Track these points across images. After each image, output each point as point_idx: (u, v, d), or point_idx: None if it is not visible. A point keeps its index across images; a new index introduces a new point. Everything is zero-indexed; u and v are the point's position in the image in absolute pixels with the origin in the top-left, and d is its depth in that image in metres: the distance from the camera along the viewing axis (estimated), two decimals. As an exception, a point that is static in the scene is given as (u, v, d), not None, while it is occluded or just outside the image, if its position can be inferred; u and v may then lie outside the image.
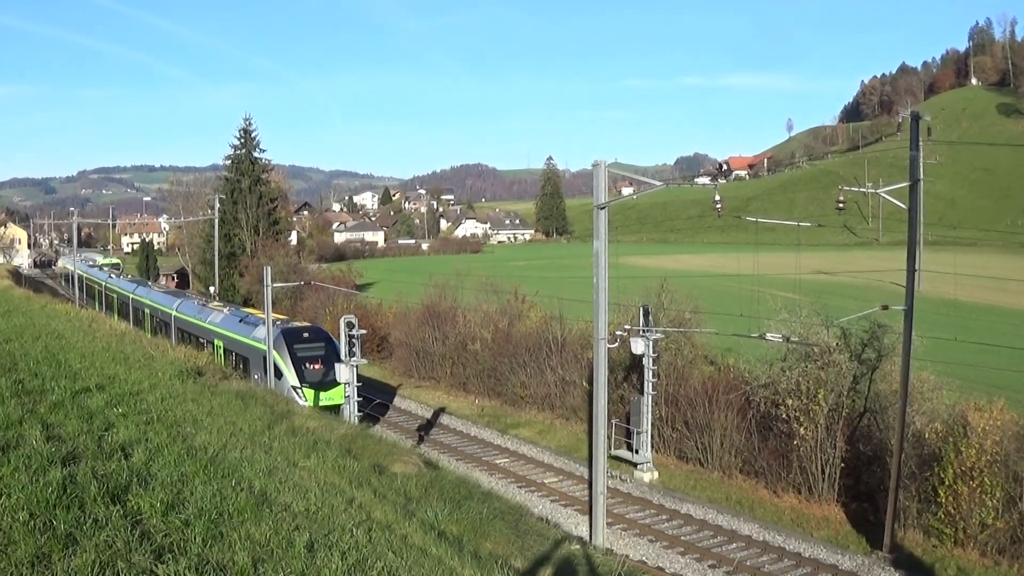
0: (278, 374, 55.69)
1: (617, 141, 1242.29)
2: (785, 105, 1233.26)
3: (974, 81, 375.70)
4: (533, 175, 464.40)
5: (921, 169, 39.56)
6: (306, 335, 58.80)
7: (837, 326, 44.77)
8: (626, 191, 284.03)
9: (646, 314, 44.38)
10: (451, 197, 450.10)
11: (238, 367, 58.97)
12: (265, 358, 56.66)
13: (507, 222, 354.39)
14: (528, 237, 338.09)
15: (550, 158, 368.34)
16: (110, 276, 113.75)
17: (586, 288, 34.27)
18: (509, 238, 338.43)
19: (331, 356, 55.46)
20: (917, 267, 37.93)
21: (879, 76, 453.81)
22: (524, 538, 18.18)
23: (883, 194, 43.95)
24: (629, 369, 51.40)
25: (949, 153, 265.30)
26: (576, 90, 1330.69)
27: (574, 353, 58.31)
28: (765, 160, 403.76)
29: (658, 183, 45.80)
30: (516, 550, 16.67)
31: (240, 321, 65.24)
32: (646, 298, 51.36)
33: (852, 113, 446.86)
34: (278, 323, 59.84)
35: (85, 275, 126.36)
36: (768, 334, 41.82)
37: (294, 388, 54.20)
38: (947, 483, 36.85)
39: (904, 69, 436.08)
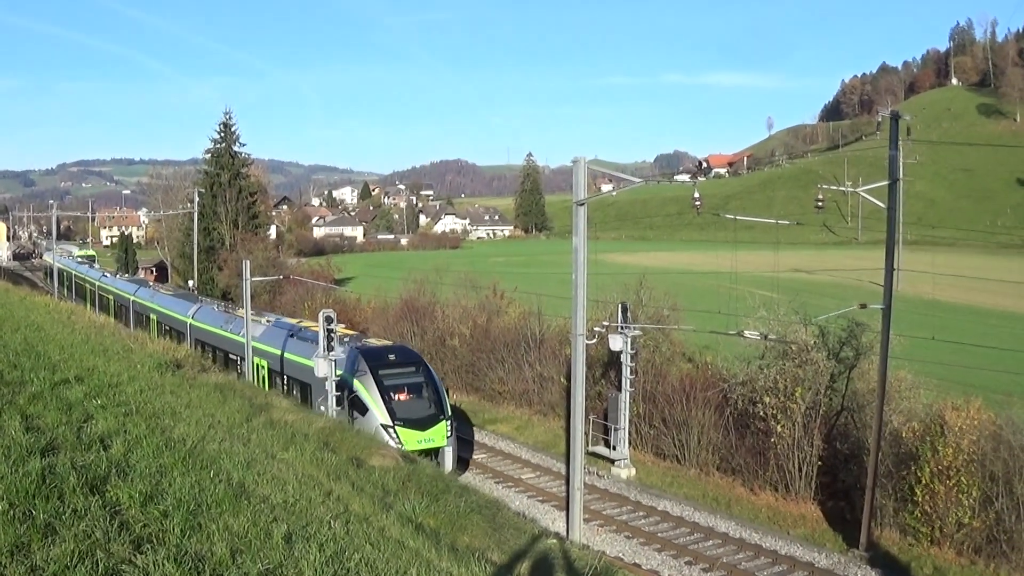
0: (361, 408, 45.01)
1: (597, 138, 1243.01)
2: (765, 103, 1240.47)
3: (954, 81, 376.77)
4: (513, 171, 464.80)
5: (901, 168, 39.82)
6: (392, 357, 47.96)
7: (815, 324, 45.00)
8: (605, 188, 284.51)
9: (624, 311, 44.51)
10: (430, 193, 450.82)
11: (290, 392, 50.25)
12: (343, 386, 45.53)
13: (486, 218, 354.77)
14: (507, 233, 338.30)
15: (530, 154, 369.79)
16: (104, 275, 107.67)
17: (565, 284, 34.44)
18: (488, 234, 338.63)
19: (426, 384, 46.64)
20: (896, 266, 38.14)
21: (859, 75, 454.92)
22: (501, 532, 18.26)
23: (862, 193, 44.24)
24: (607, 366, 51.54)
25: (929, 153, 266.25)
26: (557, 87, 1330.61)
27: (552, 349, 58.48)
28: (745, 158, 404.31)
29: (637, 180, 45.85)
30: (493, 544, 16.75)
31: (292, 336, 54.15)
32: (625, 295, 51.57)
33: (832, 112, 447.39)
34: (348, 339, 50.45)
35: (75, 273, 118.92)
36: (746, 331, 42.04)
37: (384, 428, 43.37)
38: (924, 482, 37.05)
39: (885, 69, 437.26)
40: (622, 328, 43.63)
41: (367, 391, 45.11)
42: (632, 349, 43.86)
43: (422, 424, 44.28)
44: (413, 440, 42.99)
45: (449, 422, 44.79)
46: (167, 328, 71.46)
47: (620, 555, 36.66)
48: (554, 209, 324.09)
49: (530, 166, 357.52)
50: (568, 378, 35.29)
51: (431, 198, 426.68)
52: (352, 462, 20.30)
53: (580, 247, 31.78)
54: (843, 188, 56.64)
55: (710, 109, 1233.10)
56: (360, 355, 46.84)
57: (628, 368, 43.46)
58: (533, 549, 16.79)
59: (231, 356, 59.60)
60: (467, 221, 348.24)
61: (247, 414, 22.38)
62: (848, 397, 44.47)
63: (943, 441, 36.97)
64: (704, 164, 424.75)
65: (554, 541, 18.93)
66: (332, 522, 13.77)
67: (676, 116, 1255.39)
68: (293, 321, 60.47)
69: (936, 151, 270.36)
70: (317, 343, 46.31)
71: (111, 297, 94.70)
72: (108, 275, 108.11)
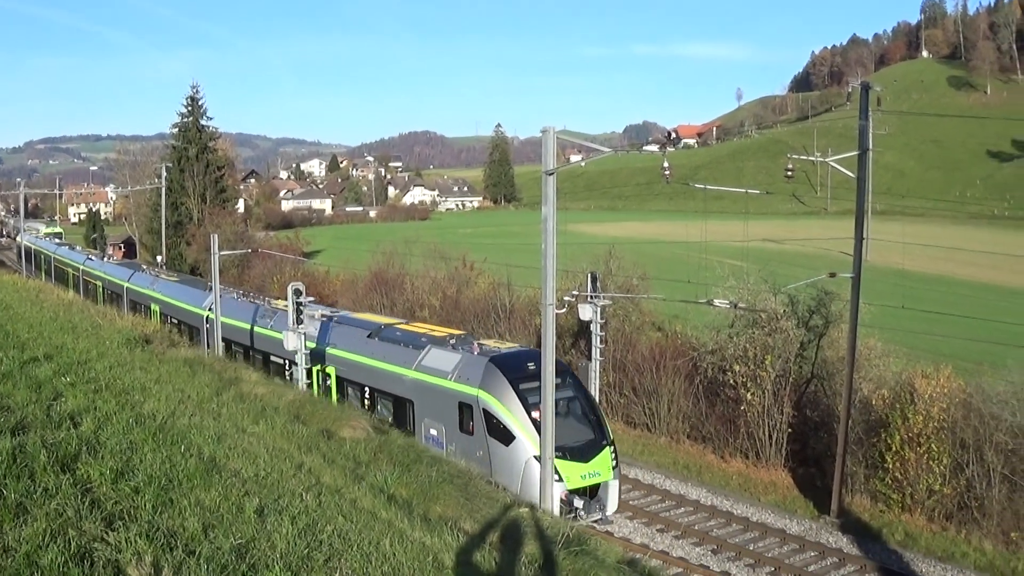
0: (502, 436, 35.14)
1: (566, 109, 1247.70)
2: (735, 74, 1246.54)
3: (925, 54, 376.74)
4: (482, 142, 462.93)
5: (871, 139, 39.95)
6: (532, 365, 36.24)
7: (785, 293, 45.24)
8: (575, 159, 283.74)
9: (594, 280, 44.52)
10: (399, 164, 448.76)
11: (375, 408, 41.85)
12: (462, 405, 36.65)
13: (455, 189, 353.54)
14: (476, 204, 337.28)
15: (499, 125, 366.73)
16: (89, 257, 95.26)
17: (534, 255, 34.33)
18: (457, 205, 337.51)
19: (580, 399, 37.96)
20: (865, 235, 38.32)
21: (830, 47, 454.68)
22: (473, 501, 18.30)
23: (832, 163, 44.32)
24: (577, 335, 51.69)
25: (899, 124, 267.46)
26: (527, 57, 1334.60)
27: (522, 319, 58.59)
28: (714, 129, 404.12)
29: (606, 149, 45.73)
30: (465, 513, 16.80)
31: (374, 337, 43.99)
32: (594, 265, 51.66)
33: (802, 83, 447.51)
34: (455, 340, 40.77)
35: (54, 256, 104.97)
36: (716, 300, 42.12)
37: (539, 460, 33.48)
38: (894, 449, 37.45)
39: (855, 41, 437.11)
40: (592, 298, 43.65)
41: (510, 413, 35.12)
42: (602, 318, 43.89)
43: (584, 453, 35.13)
44: (576, 475, 34.49)
45: (612, 448, 36.12)
46: (175, 322, 59.83)
47: (592, 523, 36.84)
48: (523, 180, 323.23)
49: (499, 137, 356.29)
50: (538, 348, 35.25)
51: (400, 170, 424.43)
52: (323, 434, 20.30)
53: (549, 217, 31.76)
54: (812, 158, 56.87)
55: (680, 80, 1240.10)
56: (492, 365, 36.74)
57: (598, 337, 43.50)
58: (505, 518, 16.84)
59: (274, 359, 49.40)
60: (436, 192, 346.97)
61: (217, 388, 22.34)
62: (818, 365, 44.82)
63: (913, 409, 37.32)
64: (673, 134, 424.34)
65: (526, 510, 18.98)
66: (304, 494, 13.80)
67: (646, 87, 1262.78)
68: (364, 316, 50.60)
69: (906, 122, 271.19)
70: (412, 345, 40.72)
71: (99, 284, 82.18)
72: (94, 258, 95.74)
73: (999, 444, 35.69)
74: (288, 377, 45.35)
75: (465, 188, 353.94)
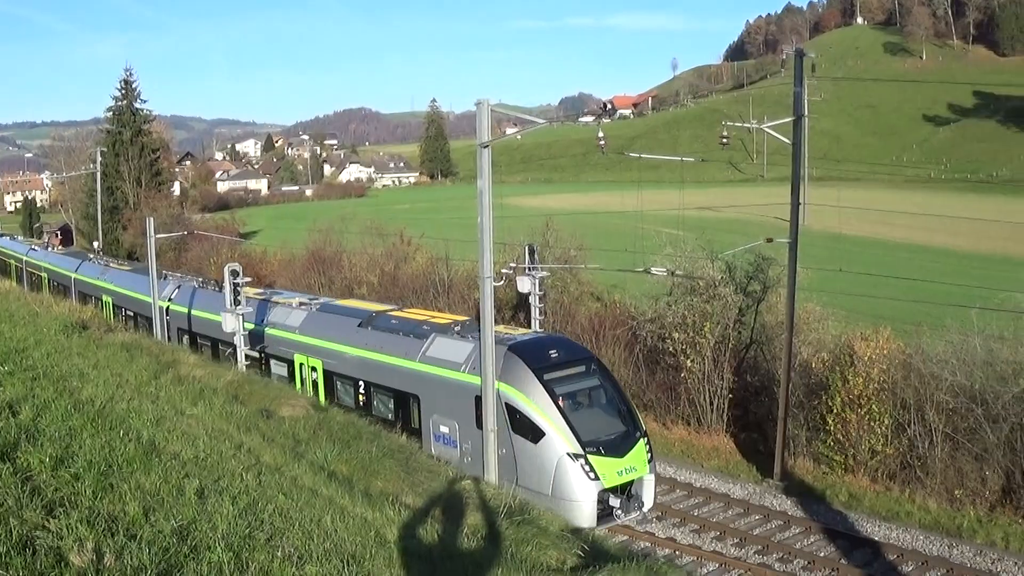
0: (530, 432, 31.71)
1: (502, 82, 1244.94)
2: (670, 45, 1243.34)
3: (860, 20, 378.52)
4: (417, 118, 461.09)
5: (806, 105, 40.13)
6: (554, 353, 34.17)
7: (723, 260, 45.48)
8: (510, 132, 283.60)
9: (531, 252, 44.56)
10: (335, 142, 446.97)
11: (371, 409, 38.13)
12: (480, 399, 32.68)
13: (391, 166, 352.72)
14: (413, 180, 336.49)
15: (434, 100, 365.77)
16: (33, 248, 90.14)
17: (471, 229, 34.30)
18: (394, 181, 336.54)
19: (608, 387, 34.62)
20: (802, 200, 38.59)
21: (764, 16, 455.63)
22: (414, 475, 18.42)
23: (767, 129, 44.54)
24: (516, 308, 51.78)
25: (835, 91, 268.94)
26: (461, 31, 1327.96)
27: (461, 294, 58.61)
28: (649, 99, 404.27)
29: (542, 120, 46.05)
30: (407, 487, 16.93)
31: (367, 327, 40.16)
32: (532, 237, 51.74)
33: (737, 52, 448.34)
34: (457, 327, 37.47)
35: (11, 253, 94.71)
36: (653, 268, 42.33)
37: (573, 458, 30.72)
38: (835, 411, 37.71)
39: (790, 8, 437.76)
40: (530, 270, 43.73)
41: (537, 407, 31.81)
42: (540, 290, 43.91)
43: (618, 448, 32.04)
44: (612, 472, 31.30)
45: (647, 440, 33.25)
46: (131, 314, 58.00)
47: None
48: (459, 155, 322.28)
49: (434, 112, 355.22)
50: (477, 321, 35.23)
51: (335, 147, 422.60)
52: (262, 414, 20.38)
53: (485, 189, 31.78)
54: (748, 125, 57.13)
55: (615, 51, 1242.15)
56: (512, 354, 33.28)
57: (537, 309, 43.54)
58: (447, 491, 17.00)
59: (222, 347, 46.21)
60: (372, 169, 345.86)
61: (155, 372, 22.33)
62: (757, 330, 45.16)
63: (853, 371, 37.60)
64: (609, 106, 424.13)
65: (468, 482, 19.12)
66: (244, 475, 13.87)
67: (581, 59, 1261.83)
68: (351, 303, 47.08)
69: (842, 89, 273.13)
70: (414, 334, 37.46)
71: (44, 275, 78.34)
72: (38, 248, 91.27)
73: (940, 403, 35.94)
74: (264, 370, 43.03)
75: (401, 164, 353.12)
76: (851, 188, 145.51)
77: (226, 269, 42.31)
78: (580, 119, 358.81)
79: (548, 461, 31.01)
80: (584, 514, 30.10)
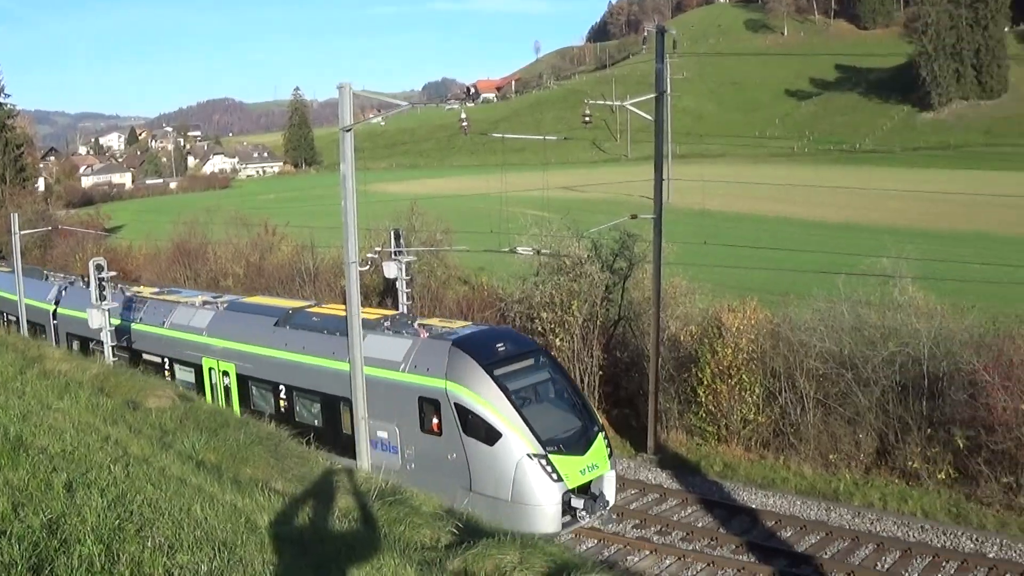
0: (485, 435, 29.75)
1: (365, 69, 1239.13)
2: (533, 28, 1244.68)
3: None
4: (281, 107, 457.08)
5: (667, 82, 40.72)
6: (501, 346, 32.43)
7: (588, 238, 45.87)
8: (373, 118, 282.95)
9: (397, 237, 44.51)
10: (198, 133, 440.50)
11: (291, 411, 36.09)
12: (424, 400, 31.31)
13: (255, 156, 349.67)
14: (277, 170, 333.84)
15: (297, 89, 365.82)
16: None
17: (336, 216, 34.19)
18: (258, 171, 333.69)
19: (559, 380, 33.25)
20: (665, 176, 39.14)
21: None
22: (284, 461, 18.37)
23: (629, 106, 44.83)
24: (383, 294, 51.72)
25: (698, 68, 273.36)
26: (321, 18, 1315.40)
27: (327, 281, 58.59)
28: (513, 82, 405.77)
29: (404, 104, 45.85)
30: (277, 473, 16.90)
31: (296, 325, 37.57)
32: (397, 222, 51.79)
33: (600, 33, 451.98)
34: (387, 323, 35.75)
35: None
36: (519, 248, 42.50)
37: (534, 459, 29.09)
38: (705, 383, 38.40)
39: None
40: (395, 254, 43.73)
41: (491, 406, 29.90)
42: (407, 275, 43.94)
43: (578, 444, 30.61)
44: (575, 471, 29.78)
45: (603, 433, 32.10)
46: (13, 320, 53.92)
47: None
48: (323, 143, 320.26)
49: (297, 100, 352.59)
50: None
51: (199, 139, 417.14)
52: (128, 405, 20.19)
53: (348, 174, 31.78)
54: (610, 103, 57.54)
55: (478, 35, 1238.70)
56: (458, 349, 31.47)
57: (404, 294, 43.53)
58: (317, 475, 17.03)
59: (146, 357, 42.43)
60: (236, 160, 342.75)
61: (20, 366, 22.07)
62: (624, 307, 45.65)
63: (721, 342, 38.28)
64: (472, 90, 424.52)
65: (340, 467, 19.18)
66: (112, 466, 13.76)
67: (443, 44, 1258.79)
68: (261, 300, 44.77)
69: (704, 66, 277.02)
70: (340, 332, 34.22)
71: None
72: None
73: (810, 370, 36.64)
74: (169, 376, 40.44)
75: (265, 154, 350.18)
76: (715, 164, 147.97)
77: (91, 264, 41.09)
78: (443, 104, 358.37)
79: (506, 464, 29.31)
80: (548, 518, 28.98)
